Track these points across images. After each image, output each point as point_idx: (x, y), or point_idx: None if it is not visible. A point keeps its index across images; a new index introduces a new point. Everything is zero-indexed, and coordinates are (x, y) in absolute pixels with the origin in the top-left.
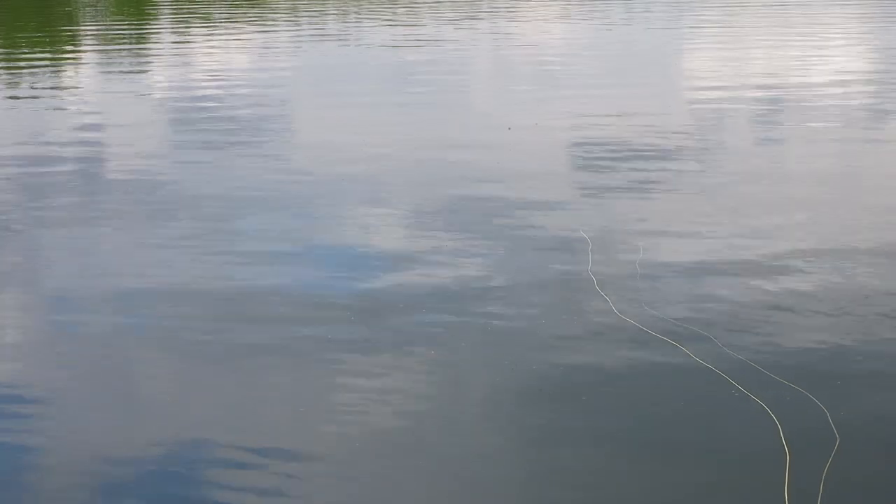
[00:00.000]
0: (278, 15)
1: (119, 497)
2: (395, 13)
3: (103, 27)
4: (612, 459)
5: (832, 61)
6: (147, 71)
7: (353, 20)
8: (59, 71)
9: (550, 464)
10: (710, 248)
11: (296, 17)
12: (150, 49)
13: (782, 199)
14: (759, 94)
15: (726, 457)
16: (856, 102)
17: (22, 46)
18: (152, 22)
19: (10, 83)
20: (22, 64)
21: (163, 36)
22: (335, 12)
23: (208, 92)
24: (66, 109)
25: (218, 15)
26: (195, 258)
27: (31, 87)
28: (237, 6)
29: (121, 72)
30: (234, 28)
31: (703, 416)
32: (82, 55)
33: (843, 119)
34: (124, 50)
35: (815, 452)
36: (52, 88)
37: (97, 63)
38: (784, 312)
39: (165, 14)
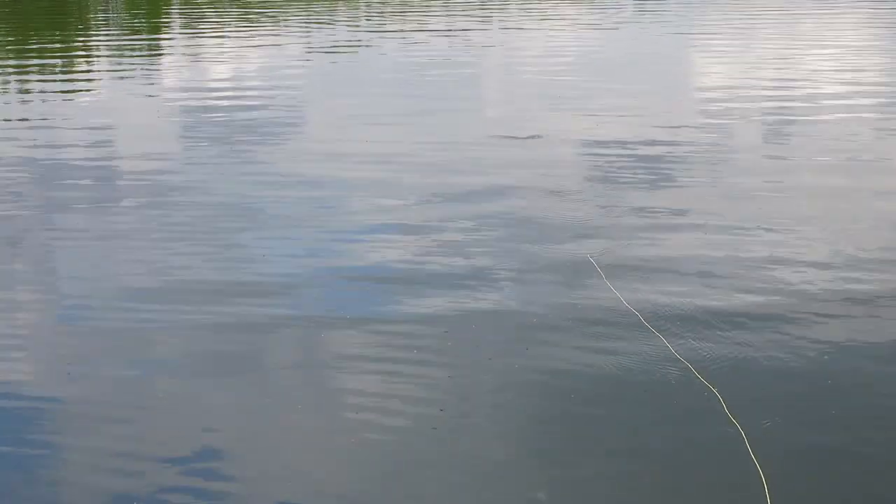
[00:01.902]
0: (288, 20)
1: (126, 498)
2: (404, 18)
3: (115, 30)
4: (612, 463)
5: (843, 66)
6: (158, 73)
7: (363, 25)
8: (68, 73)
9: (555, 474)
10: (711, 249)
11: (306, 21)
12: (160, 52)
13: (786, 199)
14: (769, 92)
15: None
16: (867, 102)
17: (33, 48)
18: (164, 28)
19: (20, 82)
20: (33, 64)
21: (174, 40)
22: (345, 18)
23: (219, 94)
24: (75, 112)
25: (228, 19)
26: (204, 258)
27: (41, 90)
28: (248, 9)
29: (131, 75)
30: (245, 31)
31: (675, 419)
32: (91, 58)
33: (853, 124)
34: (135, 53)
35: (793, 465)
36: (62, 92)
37: (107, 66)
38: (785, 314)
39: (176, 18)
